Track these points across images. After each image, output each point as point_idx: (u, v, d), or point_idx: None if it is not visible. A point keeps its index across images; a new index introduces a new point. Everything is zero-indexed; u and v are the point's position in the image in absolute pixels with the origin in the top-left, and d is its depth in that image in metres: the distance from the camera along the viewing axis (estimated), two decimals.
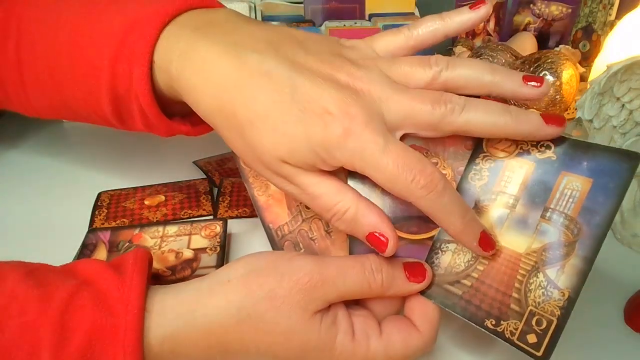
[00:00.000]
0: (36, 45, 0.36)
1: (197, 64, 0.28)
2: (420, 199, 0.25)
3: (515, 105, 0.29)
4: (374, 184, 0.29)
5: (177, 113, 0.35)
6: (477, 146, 0.29)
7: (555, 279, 0.25)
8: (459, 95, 0.27)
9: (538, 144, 0.27)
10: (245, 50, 0.28)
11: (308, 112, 0.25)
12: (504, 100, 0.29)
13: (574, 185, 0.26)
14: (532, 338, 0.24)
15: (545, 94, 0.28)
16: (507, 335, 0.25)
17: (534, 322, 0.24)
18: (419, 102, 0.26)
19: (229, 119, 0.28)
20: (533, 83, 0.28)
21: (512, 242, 0.27)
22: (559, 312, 0.24)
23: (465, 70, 0.28)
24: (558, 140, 0.27)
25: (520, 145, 0.28)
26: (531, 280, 0.25)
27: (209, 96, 0.28)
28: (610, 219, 0.24)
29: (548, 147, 0.27)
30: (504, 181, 0.28)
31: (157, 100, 0.33)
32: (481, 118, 0.26)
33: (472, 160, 0.29)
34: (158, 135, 0.36)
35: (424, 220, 0.28)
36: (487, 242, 0.26)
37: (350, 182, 0.29)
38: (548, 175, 0.26)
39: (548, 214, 0.26)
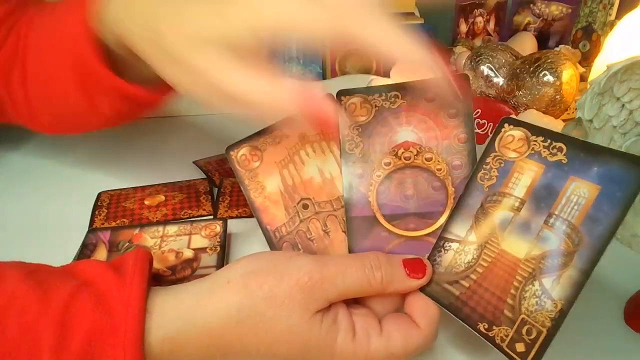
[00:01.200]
0: (30, 63, 0.38)
1: None
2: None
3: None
4: (370, 178, 0.29)
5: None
6: (489, 145, 0.29)
7: (550, 289, 0.24)
8: None
9: (550, 145, 0.27)
10: None
11: None
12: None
13: (580, 192, 0.25)
14: (520, 347, 0.24)
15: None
16: (497, 341, 0.25)
17: (524, 331, 0.24)
18: None
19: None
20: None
21: (513, 246, 0.26)
22: (549, 324, 0.24)
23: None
24: (571, 143, 0.26)
25: (532, 146, 0.28)
26: (527, 288, 0.25)
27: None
28: (613, 231, 0.24)
29: (560, 150, 0.27)
30: (512, 183, 0.27)
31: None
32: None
33: (482, 159, 0.29)
34: (152, 133, 0.38)
35: (422, 217, 0.28)
36: None
37: (346, 169, 0.29)
38: (556, 179, 0.26)
39: (551, 220, 0.26)
